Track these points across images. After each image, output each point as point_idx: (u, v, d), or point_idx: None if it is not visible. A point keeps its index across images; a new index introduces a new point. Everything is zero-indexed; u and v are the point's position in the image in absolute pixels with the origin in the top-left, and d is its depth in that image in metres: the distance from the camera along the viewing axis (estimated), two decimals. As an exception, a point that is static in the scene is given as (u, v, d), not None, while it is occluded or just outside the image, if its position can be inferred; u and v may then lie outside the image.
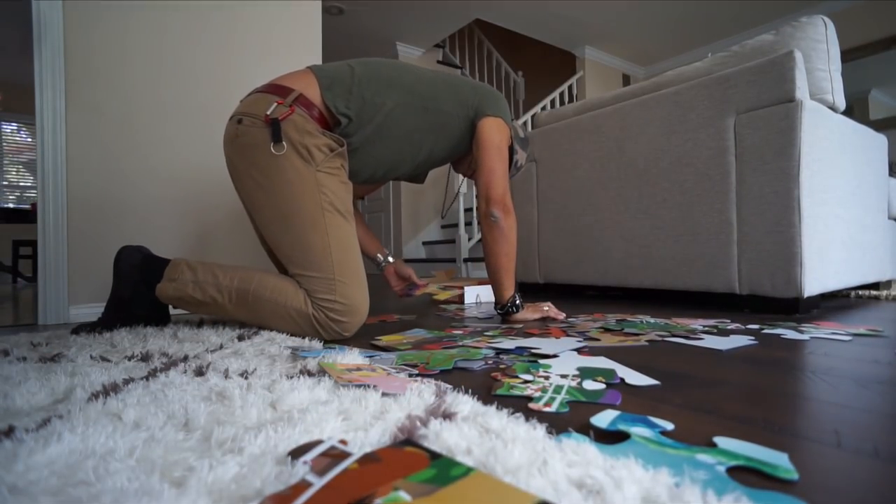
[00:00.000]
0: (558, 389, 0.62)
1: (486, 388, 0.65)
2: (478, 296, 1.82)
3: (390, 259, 1.61)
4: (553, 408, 0.55)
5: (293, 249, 1.06)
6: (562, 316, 1.27)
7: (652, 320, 1.23)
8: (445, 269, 2.30)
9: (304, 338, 1.02)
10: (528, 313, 1.25)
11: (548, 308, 1.27)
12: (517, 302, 1.25)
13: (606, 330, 1.08)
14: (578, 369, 0.71)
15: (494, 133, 1.20)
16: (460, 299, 1.79)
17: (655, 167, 1.66)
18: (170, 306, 1.23)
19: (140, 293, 1.16)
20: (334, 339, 1.05)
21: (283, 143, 1.03)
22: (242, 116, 1.07)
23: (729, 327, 1.11)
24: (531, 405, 0.56)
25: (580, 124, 1.93)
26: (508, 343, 0.92)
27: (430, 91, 1.17)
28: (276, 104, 1.04)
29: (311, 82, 1.08)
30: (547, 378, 0.67)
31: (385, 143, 1.15)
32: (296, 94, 1.05)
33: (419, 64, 1.33)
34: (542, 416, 0.52)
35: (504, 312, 1.25)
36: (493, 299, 1.40)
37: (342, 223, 1.07)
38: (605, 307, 1.60)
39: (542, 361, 0.77)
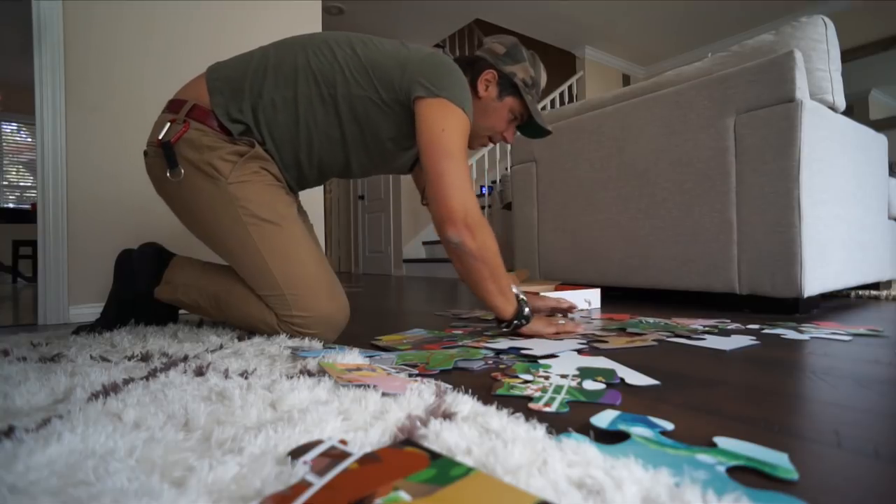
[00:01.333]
0: (558, 389, 0.62)
1: (487, 388, 0.65)
2: (589, 302, 1.58)
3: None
4: (553, 408, 0.55)
5: (239, 270, 1.02)
6: (580, 329, 1.04)
7: (651, 320, 1.23)
8: (516, 271, 2.13)
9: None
10: (541, 326, 1.00)
11: (564, 321, 1.07)
12: (525, 313, 0.98)
13: (618, 330, 1.08)
14: (578, 369, 0.71)
15: (434, 120, 0.92)
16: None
17: (655, 167, 1.66)
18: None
19: (144, 294, 1.15)
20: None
21: (180, 167, 0.96)
22: (147, 147, 1.01)
23: (729, 327, 1.11)
24: (531, 405, 0.56)
25: (580, 124, 1.93)
26: (503, 343, 0.92)
27: (339, 75, 0.98)
28: (168, 124, 0.97)
29: (202, 87, 0.99)
30: (547, 378, 0.67)
31: (303, 140, 1.02)
32: (188, 106, 0.97)
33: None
34: (542, 416, 0.52)
35: (511, 330, 0.99)
36: (577, 307, 1.28)
37: (273, 232, 0.97)
38: (605, 307, 1.60)
39: (542, 361, 0.77)
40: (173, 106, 1.00)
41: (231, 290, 1.05)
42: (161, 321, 1.23)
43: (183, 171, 0.96)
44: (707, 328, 1.09)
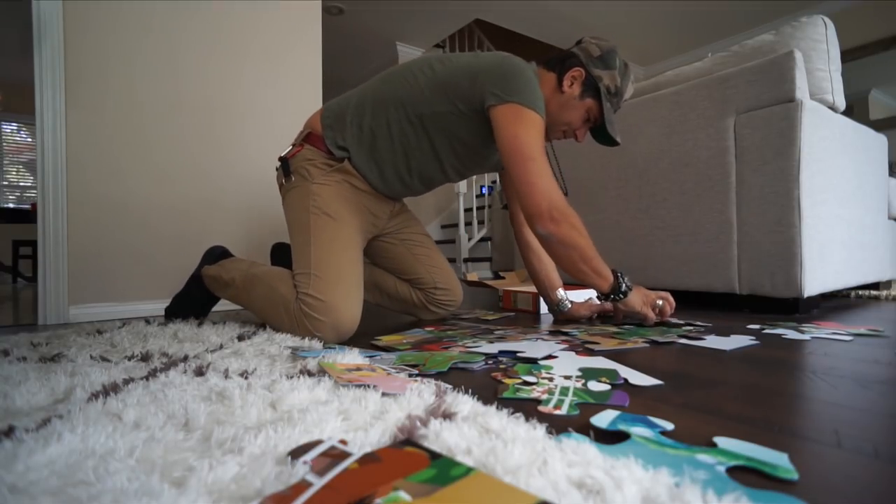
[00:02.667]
0: (565, 391, 0.61)
1: (487, 389, 0.65)
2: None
3: (568, 304, 1.32)
4: (563, 410, 0.54)
5: (293, 246, 1.15)
6: (668, 312, 1.13)
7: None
8: (516, 271, 2.12)
9: (295, 335, 1.03)
10: (638, 302, 1.10)
11: (662, 301, 1.12)
12: (623, 288, 1.08)
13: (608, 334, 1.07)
14: (580, 370, 0.71)
15: (508, 125, 1.02)
16: (534, 307, 1.50)
17: (655, 167, 1.66)
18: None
19: (197, 276, 1.34)
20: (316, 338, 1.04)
21: (292, 175, 1.18)
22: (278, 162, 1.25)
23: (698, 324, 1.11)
24: (540, 408, 0.55)
25: (580, 124, 1.93)
26: (488, 347, 0.89)
27: (420, 96, 1.11)
28: (290, 146, 1.22)
29: (317, 120, 1.20)
30: (551, 380, 0.67)
31: (401, 159, 1.16)
32: (305, 133, 1.20)
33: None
34: (542, 417, 0.52)
35: (614, 299, 1.10)
36: (583, 299, 1.36)
37: (327, 223, 1.12)
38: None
39: (542, 363, 0.77)
40: (299, 135, 1.23)
41: (269, 271, 1.19)
42: (196, 308, 1.37)
43: (293, 177, 1.18)
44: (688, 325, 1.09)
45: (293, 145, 1.21)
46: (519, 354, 0.83)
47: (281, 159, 1.21)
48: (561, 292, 1.32)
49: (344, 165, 1.16)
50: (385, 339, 1.02)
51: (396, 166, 1.17)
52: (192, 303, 1.37)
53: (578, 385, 0.64)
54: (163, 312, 1.43)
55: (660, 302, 1.12)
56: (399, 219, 1.37)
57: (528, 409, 0.55)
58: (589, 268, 1.06)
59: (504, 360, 0.80)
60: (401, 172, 1.18)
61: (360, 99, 1.17)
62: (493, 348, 0.88)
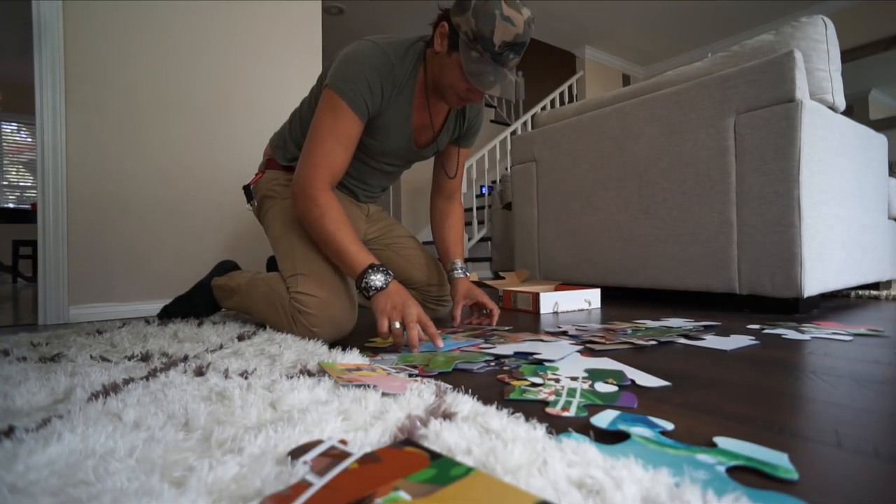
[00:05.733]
0: (572, 393, 0.61)
1: (487, 389, 0.65)
2: (556, 304, 1.49)
3: (460, 272, 1.27)
4: (571, 412, 0.54)
5: (277, 255, 1.18)
6: (408, 341, 0.90)
7: (653, 324, 1.22)
8: (516, 271, 2.12)
9: (294, 335, 1.03)
10: (382, 303, 0.92)
11: (401, 325, 0.90)
12: (368, 282, 0.95)
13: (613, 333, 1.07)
14: (587, 371, 0.71)
15: (318, 107, 1.05)
16: (534, 307, 1.47)
17: (655, 167, 1.66)
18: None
19: (206, 284, 1.40)
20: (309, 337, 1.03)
21: (254, 200, 1.30)
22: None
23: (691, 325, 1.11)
24: (548, 410, 0.55)
25: (580, 124, 1.93)
26: (503, 348, 0.88)
27: (315, 100, 1.15)
28: (253, 176, 1.35)
29: (269, 147, 1.32)
30: (557, 381, 0.66)
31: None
32: (263, 163, 1.32)
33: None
34: (548, 419, 0.52)
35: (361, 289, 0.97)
36: (577, 307, 1.37)
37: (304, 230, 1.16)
38: (606, 308, 1.60)
39: (548, 364, 0.76)
40: (259, 165, 1.34)
41: (271, 274, 1.21)
42: (201, 310, 1.41)
43: (256, 202, 1.29)
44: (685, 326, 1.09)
45: (256, 174, 1.32)
46: (535, 356, 0.81)
47: (244, 188, 1.33)
48: (457, 262, 1.30)
49: None
50: (379, 341, 1.01)
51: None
52: (194, 308, 1.40)
53: (585, 386, 0.64)
54: (163, 312, 1.44)
55: (397, 324, 0.88)
56: (379, 225, 1.40)
57: (533, 410, 0.55)
58: (330, 251, 1.02)
59: (509, 361, 0.80)
60: (347, 173, 1.22)
61: (292, 119, 1.26)
62: (509, 349, 0.87)
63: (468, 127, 1.29)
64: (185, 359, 0.80)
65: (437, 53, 1.04)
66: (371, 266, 0.97)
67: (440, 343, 0.89)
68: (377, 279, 0.95)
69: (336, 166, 1.04)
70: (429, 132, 1.21)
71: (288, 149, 1.26)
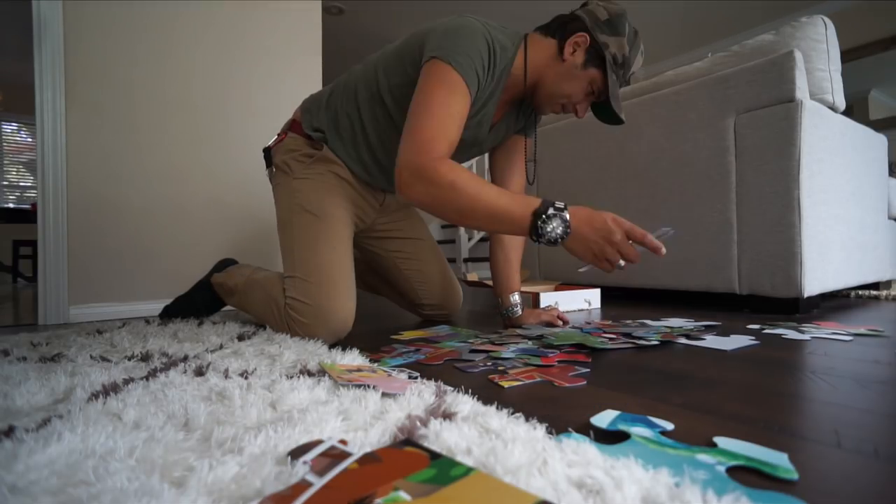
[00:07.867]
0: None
1: (487, 389, 0.65)
2: (556, 304, 1.50)
3: (517, 310, 1.19)
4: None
5: (281, 248, 1.14)
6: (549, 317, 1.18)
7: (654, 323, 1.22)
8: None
9: (287, 334, 1.03)
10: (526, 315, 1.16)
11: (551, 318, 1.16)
12: (545, 236, 0.83)
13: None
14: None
15: (422, 80, 0.90)
16: (534, 307, 1.45)
17: (655, 167, 1.66)
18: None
19: (206, 281, 1.39)
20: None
21: (273, 167, 1.19)
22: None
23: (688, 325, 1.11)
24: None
25: (580, 124, 1.93)
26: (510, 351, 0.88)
27: (382, 73, 1.04)
28: (275, 136, 1.22)
29: (299, 107, 1.22)
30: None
31: (374, 139, 1.10)
32: (288, 122, 1.21)
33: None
34: (542, 417, 0.52)
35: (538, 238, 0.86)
36: (577, 307, 1.34)
37: (310, 221, 1.08)
38: (606, 308, 1.60)
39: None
40: (285, 125, 1.23)
41: (268, 275, 1.20)
42: (201, 309, 1.40)
43: (275, 169, 1.19)
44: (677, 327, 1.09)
45: (278, 135, 1.22)
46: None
47: (264, 150, 1.23)
48: (516, 297, 1.20)
49: (324, 153, 1.12)
50: (407, 335, 1.02)
51: (372, 149, 1.11)
52: (194, 308, 1.39)
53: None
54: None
55: (622, 263, 0.89)
56: (389, 218, 1.30)
57: (522, 406, 0.55)
58: (479, 219, 0.84)
59: (505, 361, 0.80)
60: (377, 156, 1.12)
61: (336, 85, 1.16)
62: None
63: (531, 113, 1.18)
64: (185, 359, 0.80)
65: (564, 61, 0.98)
66: (534, 214, 0.82)
67: (663, 251, 0.89)
68: (554, 228, 0.81)
69: (453, 141, 0.88)
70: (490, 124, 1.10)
71: (318, 115, 1.15)
